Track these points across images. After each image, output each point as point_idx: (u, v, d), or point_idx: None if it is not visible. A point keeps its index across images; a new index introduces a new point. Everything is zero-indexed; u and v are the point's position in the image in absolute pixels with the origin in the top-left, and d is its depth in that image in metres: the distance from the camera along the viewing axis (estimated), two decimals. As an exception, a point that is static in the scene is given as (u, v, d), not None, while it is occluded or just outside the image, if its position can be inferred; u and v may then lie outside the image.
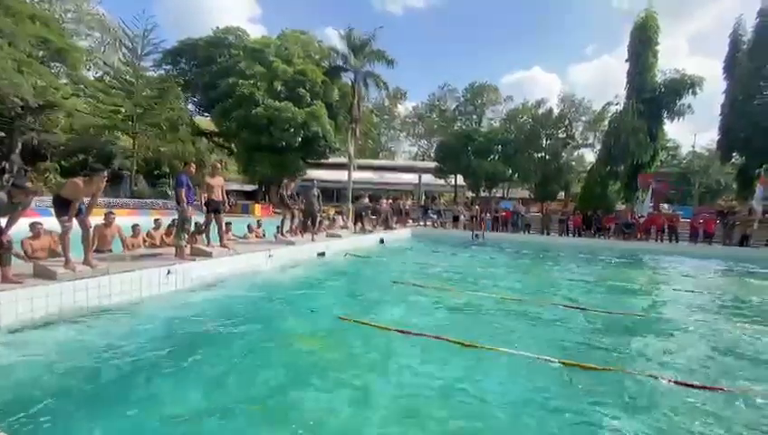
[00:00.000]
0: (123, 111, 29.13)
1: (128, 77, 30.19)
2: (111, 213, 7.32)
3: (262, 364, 3.66)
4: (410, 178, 38.73)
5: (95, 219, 6.08)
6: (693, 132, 72.32)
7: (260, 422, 2.79)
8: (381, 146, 56.87)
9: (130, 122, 29.41)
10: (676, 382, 3.50)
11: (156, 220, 8.60)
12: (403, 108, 54.85)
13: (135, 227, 7.93)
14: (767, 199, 18.29)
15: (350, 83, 26.17)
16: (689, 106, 21.34)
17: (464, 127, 35.56)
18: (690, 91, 20.94)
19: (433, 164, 35.25)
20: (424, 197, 35.47)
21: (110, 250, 6.99)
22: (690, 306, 6.78)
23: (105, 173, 5.21)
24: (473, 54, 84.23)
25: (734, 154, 23.75)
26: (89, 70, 32.72)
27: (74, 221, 5.01)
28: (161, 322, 4.63)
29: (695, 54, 72.54)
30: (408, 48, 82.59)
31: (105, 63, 31.27)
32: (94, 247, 6.33)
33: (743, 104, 21.29)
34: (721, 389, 3.42)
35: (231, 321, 4.82)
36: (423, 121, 48.84)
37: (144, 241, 7.92)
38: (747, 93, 21.20)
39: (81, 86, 29.31)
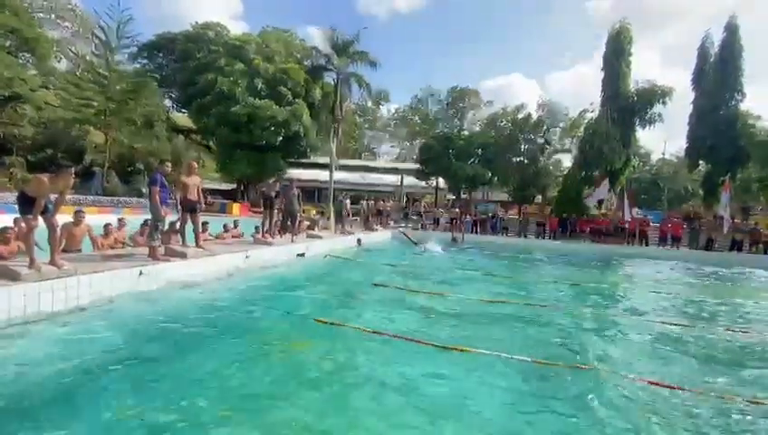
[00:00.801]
0: (95, 104, 28.08)
1: (100, 70, 29.10)
2: (81, 211, 7.03)
3: (233, 369, 3.57)
4: (392, 179, 38.76)
5: (64, 218, 5.85)
6: (663, 140, 75.29)
7: (230, 428, 2.72)
8: (363, 147, 56.78)
9: (103, 117, 28.36)
10: (649, 382, 3.63)
11: (120, 219, 8.28)
12: (385, 109, 55.00)
13: (107, 227, 7.65)
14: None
15: (332, 83, 26.06)
16: (660, 115, 22.20)
17: (445, 130, 35.87)
18: (661, 100, 21.79)
19: (415, 166, 35.43)
20: (405, 199, 35.60)
21: (80, 250, 6.72)
22: (658, 307, 7.05)
23: (72, 170, 5.01)
24: (455, 59, 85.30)
25: (700, 162, 24.85)
26: (59, 61, 31.45)
27: (40, 219, 4.80)
28: (131, 325, 4.48)
29: (666, 65, 75.64)
30: (390, 50, 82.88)
31: (76, 55, 30.11)
32: (62, 247, 6.08)
33: (709, 115, 22.33)
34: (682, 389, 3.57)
35: (204, 323, 4.71)
36: (405, 123, 49.07)
37: (116, 241, 7.66)
38: (713, 104, 22.24)
39: (51, 78, 28.14)
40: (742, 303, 7.79)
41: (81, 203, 19.58)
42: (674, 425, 2.99)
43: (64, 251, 6.14)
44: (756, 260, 14.52)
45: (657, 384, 3.58)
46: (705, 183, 24.54)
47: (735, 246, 15.96)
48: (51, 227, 4.95)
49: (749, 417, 3.15)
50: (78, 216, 6.83)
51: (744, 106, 22.05)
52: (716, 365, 4.30)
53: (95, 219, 9.02)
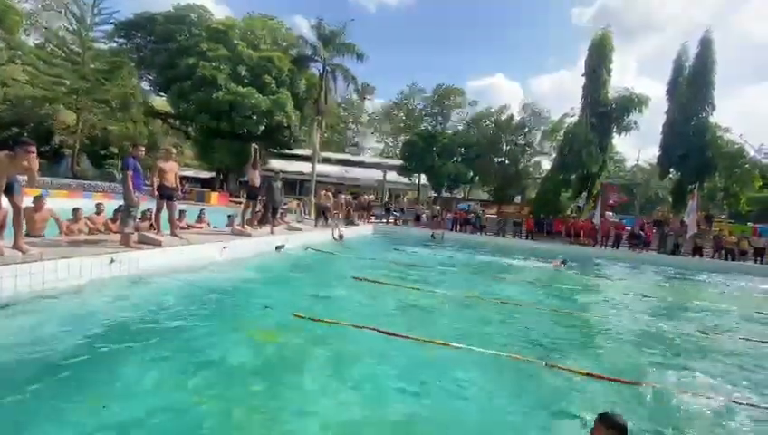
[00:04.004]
0: (67, 83, 26.81)
1: (74, 47, 27.79)
2: (41, 196, 6.70)
3: (204, 365, 3.47)
4: (375, 174, 38.75)
5: (27, 201, 5.58)
6: (638, 147, 78.26)
7: (201, 425, 2.66)
8: (347, 140, 56.42)
9: (75, 96, 27.12)
10: (609, 379, 3.77)
11: (98, 205, 8.00)
12: (371, 104, 54.77)
13: (76, 211, 7.34)
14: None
15: (317, 74, 25.72)
16: (636, 122, 22.93)
17: (429, 127, 36.03)
18: (637, 108, 22.48)
19: (398, 162, 35.49)
20: (387, 194, 35.64)
21: (42, 236, 6.42)
22: (630, 307, 7.33)
23: (33, 148, 4.73)
24: (441, 56, 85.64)
25: (671, 170, 25.82)
26: (28, 35, 29.92)
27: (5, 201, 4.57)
28: (99, 314, 4.32)
29: (642, 75, 78.16)
30: (377, 44, 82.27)
31: (48, 30, 28.61)
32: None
33: (681, 125, 23.19)
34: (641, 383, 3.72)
35: (176, 316, 4.58)
36: (390, 119, 49.02)
37: (86, 226, 7.36)
38: (685, 115, 23.10)
39: (19, 52, 26.69)
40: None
41: (49, 185, 18.77)
42: (640, 421, 3.12)
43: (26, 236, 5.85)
44: (711, 265, 15.32)
45: (621, 381, 3.72)
46: (675, 190, 25.54)
47: (697, 251, 16.74)
48: (15, 208, 4.71)
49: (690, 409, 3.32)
50: (39, 201, 6.51)
51: (713, 118, 23.01)
52: (686, 359, 4.51)
53: (64, 203, 8.66)
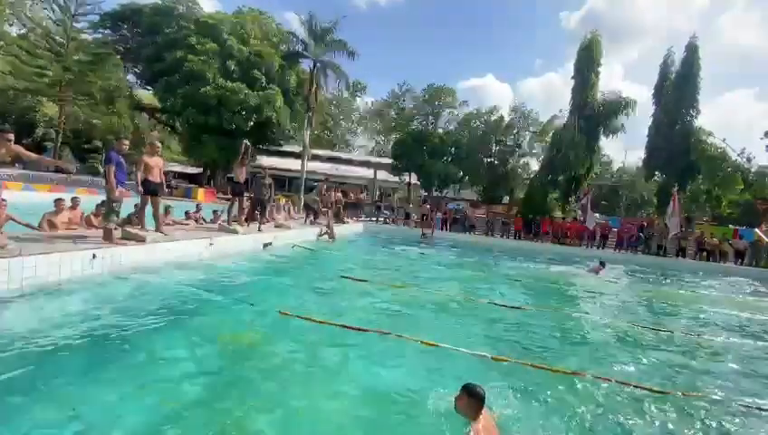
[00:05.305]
0: (50, 74, 26.17)
1: (57, 37, 27.15)
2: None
3: (190, 363, 3.43)
4: (365, 172, 38.67)
5: (12, 195, 5.43)
6: (624, 149, 79.60)
7: (184, 427, 2.62)
8: (338, 138, 56.19)
9: (58, 88, 26.49)
10: (596, 377, 3.82)
11: (73, 199, 7.71)
12: (362, 102, 54.61)
13: (58, 202, 7.13)
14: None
15: (308, 70, 25.53)
16: (623, 125, 23.28)
17: (420, 127, 36.05)
18: (624, 112, 22.83)
19: (389, 160, 35.46)
20: (378, 192, 35.60)
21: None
22: (611, 306, 7.46)
23: (10, 135, 4.57)
24: (432, 56, 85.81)
25: (656, 172, 26.34)
26: (11, 25, 29.11)
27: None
28: (79, 312, 4.22)
29: (627, 80, 79.59)
30: (369, 43, 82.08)
31: (31, 19, 27.86)
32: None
33: (666, 128, 23.67)
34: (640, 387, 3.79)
35: (159, 313, 4.50)
36: (381, 118, 48.93)
37: (70, 221, 7.17)
38: (671, 119, 23.58)
39: (1, 42, 25.96)
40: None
41: (30, 179, 18.30)
42: (620, 419, 3.17)
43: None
44: (692, 266, 15.75)
45: (605, 380, 3.78)
46: (660, 192, 26.05)
47: (680, 252, 17.12)
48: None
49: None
50: None
51: (697, 122, 23.51)
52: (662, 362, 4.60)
53: (46, 197, 8.44)
